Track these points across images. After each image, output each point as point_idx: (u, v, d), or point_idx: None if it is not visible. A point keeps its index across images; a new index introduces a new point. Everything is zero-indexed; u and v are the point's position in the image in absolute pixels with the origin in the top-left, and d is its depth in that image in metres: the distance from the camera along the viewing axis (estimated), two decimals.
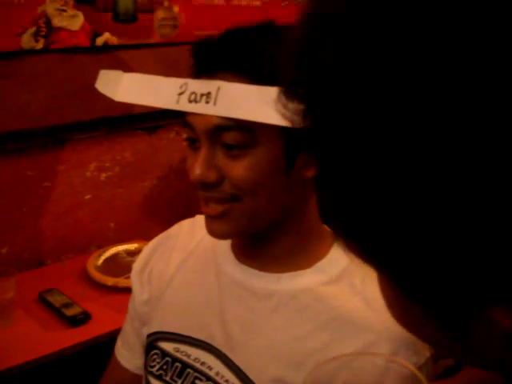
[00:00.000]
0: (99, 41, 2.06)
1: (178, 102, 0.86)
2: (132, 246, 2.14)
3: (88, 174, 2.20)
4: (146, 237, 2.25)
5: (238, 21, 2.49)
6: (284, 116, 0.52)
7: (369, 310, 0.87)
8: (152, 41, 2.21)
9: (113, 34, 2.10)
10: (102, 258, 2.07)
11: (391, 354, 0.84)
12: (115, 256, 2.10)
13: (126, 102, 0.94)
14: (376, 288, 0.88)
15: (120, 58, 2.14)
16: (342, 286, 0.91)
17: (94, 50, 2.06)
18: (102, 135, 2.19)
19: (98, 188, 2.24)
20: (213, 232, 0.90)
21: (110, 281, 1.88)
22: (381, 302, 0.86)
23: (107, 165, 2.24)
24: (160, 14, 2.21)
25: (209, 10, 2.36)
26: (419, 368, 0.85)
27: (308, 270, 0.93)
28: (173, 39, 2.24)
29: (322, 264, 0.93)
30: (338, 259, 0.94)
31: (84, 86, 2.05)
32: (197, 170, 0.85)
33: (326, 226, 0.99)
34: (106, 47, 2.09)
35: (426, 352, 0.88)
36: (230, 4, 2.41)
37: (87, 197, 2.22)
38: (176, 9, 2.26)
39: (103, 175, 2.24)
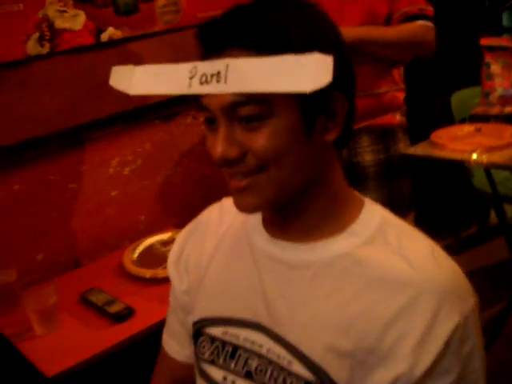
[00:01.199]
0: (104, 37, 2.06)
1: (190, 85, 0.85)
2: (165, 236, 2.15)
3: (111, 170, 2.21)
4: (178, 225, 2.27)
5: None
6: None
7: (407, 267, 0.87)
8: (156, 29, 2.20)
9: (116, 27, 2.09)
10: (137, 251, 2.08)
11: (436, 305, 0.84)
12: (150, 248, 2.11)
13: (140, 94, 0.93)
14: (412, 245, 0.89)
15: (127, 51, 2.14)
16: (377, 246, 0.90)
17: (100, 46, 2.06)
18: (120, 130, 2.20)
19: (123, 183, 2.25)
20: (241, 205, 0.90)
21: (147, 273, 1.89)
22: (420, 258, 0.87)
23: (129, 158, 2.25)
24: (161, 1, 2.19)
25: None
26: (466, 316, 0.85)
27: (341, 235, 0.92)
28: (177, 24, 2.23)
29: (354, 227, 0.93)
30: (369, 220, 0.93)
31: (95, 84, 2.05)
32: (218, 147, 0.85)
33: (352, 189, 0.99)
34: (112, 42, 2.08)
35: (470, 299, 0.88)
36: None
37: (114, 193, 2.23)
38: None
39: (127, 169, 2.25)
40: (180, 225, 1.20)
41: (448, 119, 2.98)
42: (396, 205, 2.19)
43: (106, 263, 2.10)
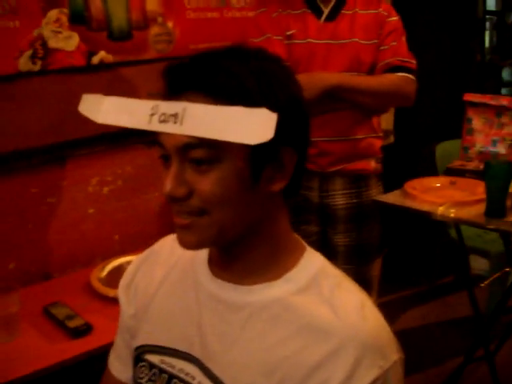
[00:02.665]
0: (95, 59, 2.13)
1: (150, 122, 0.90)
2: (135, 258, 2.17)
3: (90, 188, 2.26)
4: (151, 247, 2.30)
5: (232, 33, 2.55)
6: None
7: (335, 317, 0.91)
8: (147, 56, 2.27)
9: (108, 52, 2.16)
10: (106, 270, 2.12)
11: (356, 357, 0.88)
12: (119, 268, 2.14)
13: (106, 123, 0.98)
14: (343, 296, 0.95)
15: (117, 75, 2.20)
16: (310, 294, 0.95)
17: (90, 68, 2.13)
18: (102, 150, 2.26)
19: (101, 202, 2.30)
20: (182, 242, 0.95)
21: (111, 292, 1.93)
22: (347, 309, 0.92)
23: (109, 179, 2.30)
24: (154, 29, 2.27)
25: (203, 23, 2.41)
26: (386, 371, 0.89)
27: (278, 281, 0.97)
28: (168, 54, 2.31)
29: (291, 274, 0.97)
30: (307, 268, 0.98)
31: None
32: (168, 185, 0.90)
33: (297, 237, 1.03)
34: (102, 65, 2.15)
35: (393, 355, 0.92)
36: (223, 17, 2.47)
37: (91, 211, 2.28)
38: (170, 24, 2.32)
39: (106, 189, 2.30)
40: None
41: (432, 169, 3.04)
42: (364, 248, 2.24)
43: (76, 278, 2.14)
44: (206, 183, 0.89)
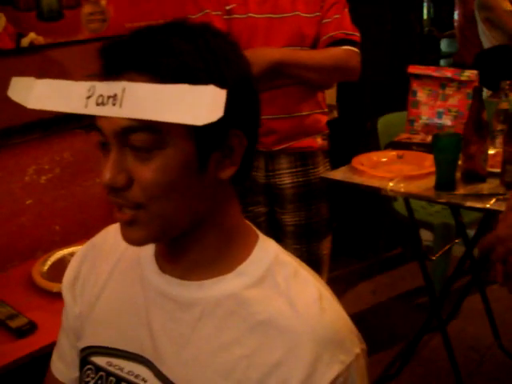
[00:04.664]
0: (24, 42, 2.01)
1: (86, 105, 0.83)
2: (78, 249, 2.08)
3: (27, 178, 2.16)
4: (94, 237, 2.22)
5: (169, 10, 2.47)
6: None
7: (292, 312, 0.86)
8: (81, 37, 2.16)
9: (38, 33, 2.04)
10: (48, 263, 2.03)
11: (316, 352, 0.83)
12: (61, 260, 2.05)
13: (38, 108, 0.90)
14: (300, 288, 0.88)
15: (48, 58, 2.09)
16: (265, 287, 0.89)
17: (19, 51, 2.01)
18: (38, 138, 2.15)
19: (39, 192, 2.20)
20: (127, 238, 0.88)
21: (55, 287, 1.83)
22: (304, 302, 0.86)
23: (46, 167, 2.20)
24: (87, 8, 2.16)
25: (139, 0, 2.31)
26: (348, 365, 0.85)
27: (230, 275, 0.91)
28: (103, 34, 2.20)
29: (244, 266, 0.91)
30: (260, 259, 0.92)
31: None
32: (107, 174, 0.82)
33: (248, 225, 0.97)
34: (32, 48, 2.04)
35: (355, 348, 0.88)
36: None
37: (28, 202, 2.17)
38: (103, 2, 2.21)
39: (43, 178, 2.20)
40: None
41: (375, 143, 3.02)
42: (314, 227, 2.20)
43: (16, 274, 2.04)
44: (148, 171, 0.82)
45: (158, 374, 0.92)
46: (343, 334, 0.88)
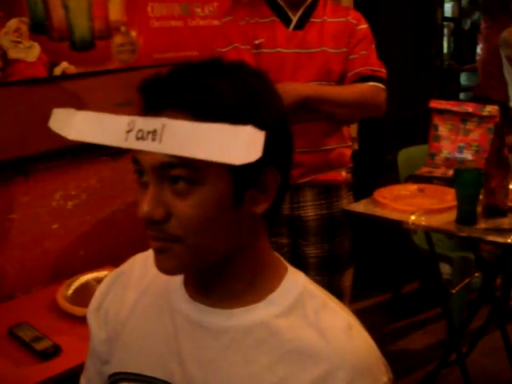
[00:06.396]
0: (57, 70, 2.06)
1: (126, 139, 0.85)
2: (102, 274, 2.11)
3: (54, 203, 2.19)
4: (117, 263, 2.24)
5: (196, 42, 2.52)
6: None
7: (322, 341, 0.87)
8: (111, 66, 2.21)
9: (71, 62, 2.09)
10: (72, 287, 2.05)
11: (347, 381, 0.84)
12: (85, 285, 2.08)
13: (79, 140, 0.93)
14: (329, 318, 0.90)
15: (80, 87, 2.14)
16: (294, 317, 0.91)
17: (52, 80, 2.06)
18: (66, 164, 2.19)
19: (65, 217, 2.23)
20: (160, 267, 0.90)
21: (79, 311, 1.85)
22: (334, 332, 0.88)
23: (73, 193, 2.23)
24: (118, 39, 2.21)
25: (167, 32, 2.36)
26: None
27: (260, 304, 0.92)
28: (132, 64, 2.25)
29: (274, 296, 0.93)
30: (289, 290, 0.94)
31: (45, 117, 2.01)
32: (145, 206, 0.84)
33: (277, 256, 0.99)
34: (64, 76, 2.08)
35: (383, 377, 0.89)
36: (188, 25, 2.42)
37: (54, 226, 2.21)
38: (133, 33, 2.26)
39: (70, 203, 2.23)
40: (120, 263, 1.18)
41: (395, 176, 3.04)
42: (336, 259, 2.22)
43: (40, 297, 2.07)
44: (186, 206, 0.83)
45: None
46: (372, 361, 0.89)
